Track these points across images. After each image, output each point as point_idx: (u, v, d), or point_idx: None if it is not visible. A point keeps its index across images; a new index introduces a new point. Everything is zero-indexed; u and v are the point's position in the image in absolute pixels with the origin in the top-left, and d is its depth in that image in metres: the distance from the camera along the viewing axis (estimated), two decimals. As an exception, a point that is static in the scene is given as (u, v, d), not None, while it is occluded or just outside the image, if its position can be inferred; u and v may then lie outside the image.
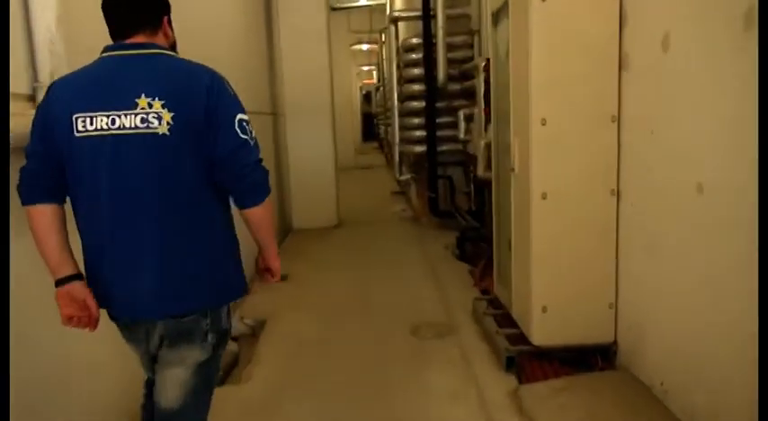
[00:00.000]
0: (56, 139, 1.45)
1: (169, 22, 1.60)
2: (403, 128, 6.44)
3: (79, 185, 1.48)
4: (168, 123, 1.41)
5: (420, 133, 6.24)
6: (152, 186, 1.45)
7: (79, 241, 1.54)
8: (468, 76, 6.03)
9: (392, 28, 6.26)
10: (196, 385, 1.59)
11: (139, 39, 1.50)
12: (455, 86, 6.12)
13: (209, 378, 1.65)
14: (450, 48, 5.92)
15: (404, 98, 6.41)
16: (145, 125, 1.41)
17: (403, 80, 6.38)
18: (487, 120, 4.73)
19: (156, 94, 1.41)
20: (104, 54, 1.50)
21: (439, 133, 6.20)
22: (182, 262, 1.50)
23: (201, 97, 1.45)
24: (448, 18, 5.88)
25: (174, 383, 1.57)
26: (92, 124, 1.42)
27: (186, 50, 1.71)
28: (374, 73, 24.80)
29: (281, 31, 6.46)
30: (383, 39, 15.81)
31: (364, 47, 22.47)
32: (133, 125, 1.41)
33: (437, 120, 6.16)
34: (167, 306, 1.51)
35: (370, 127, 23.34)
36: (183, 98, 1.44)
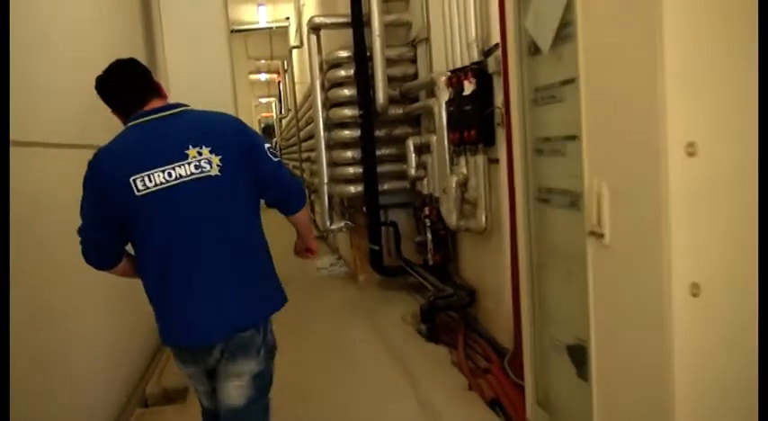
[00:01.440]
0: (115, 204, 1.65)
1: None
2: (332, 163, 5.08)
3: (145, 237, 1.69)
4: (218, 165, 1.67)
5: (355, 170, 4.92)
6: (216, 222, 1.70)
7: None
8: (411, 97, 4.82)
9: (313, 38, 4.94)
10: (256, 390, 1.81)
11: (156, 104, 1.76)
12: (396, 110, 4.89)
13: (264, 386, 1.87)
14: (387, 63, 4.70)
15: (331, 126, 5.07)
16: (199, 171, 1.66)
17: (329, 103, 5.05)
18: (466, 150, 3.50)
19: (202, 142, 1.67)
20: (133, 123, 1.72)
21: (379, 169, 4.91)
22: (247, 283, 1.76)
23: (236, 138, 1.75)
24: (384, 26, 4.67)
25: (235, 391, 1.79)
26: (151, 181, 1.62)
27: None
28: (273, 105, 23.58)
29: (173, 56, 4.97)
30: (285, 66, 14.56)
31: (262, 77, 21.10)
32: (189, 173, 1.65)
33: (377, 153, 4.88)
34: (235, 323, 1.75)
35: None
36: (223, 142, 1.70)
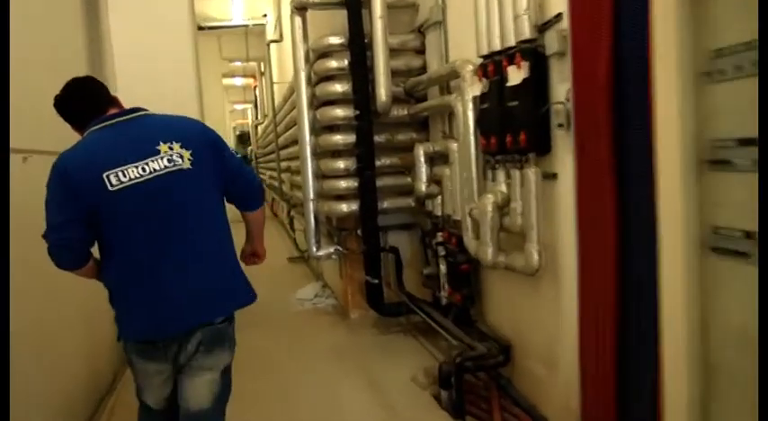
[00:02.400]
0: (87, 201, 1.68)
1: None
2: (319, 175, 4.13)
3: (120, 231, 1.73)
4: (189, 159, 1.75)
5: (348, 183, 3.98)
6: (191, 212, 1.77)
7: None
8: (418, 95, 3.92)
9: (297, 21, 3.99)
10: (222, 386, 1.87)
11: (115, 110, 1.84)
12: (400, 111, 3.98)
13: (230, 381, 1.93)
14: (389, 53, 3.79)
15: (319, 129, 4.13)
16: (172, 164, 1.73)
17: (317, 102, 4.11)
18: (506, 161, 2.60)
19: (172, 138, 1.75)
20: (95, 127, 1.78)
21: (379, 183, 3.98)
22: (221, 274, 1.83)
23: (202, 136, 1.84)
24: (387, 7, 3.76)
25: (205, 386, 1.82)
26: (125, 176, 1.68)
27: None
28: (249, 112, 22.54)
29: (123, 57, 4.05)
30: (262, 69, 13.57)
31: (238, 81, 20.01)
32: (162, 166, 1.72)
33: (376, 163, 3.95)
34: (215, 312, 1.81)
35: None
36: (191, 139, 1.78)
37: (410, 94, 3.93)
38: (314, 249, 4.03)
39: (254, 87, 18.00)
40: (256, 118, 15.85)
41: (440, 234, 3.55)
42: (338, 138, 3.98)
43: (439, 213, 3.58)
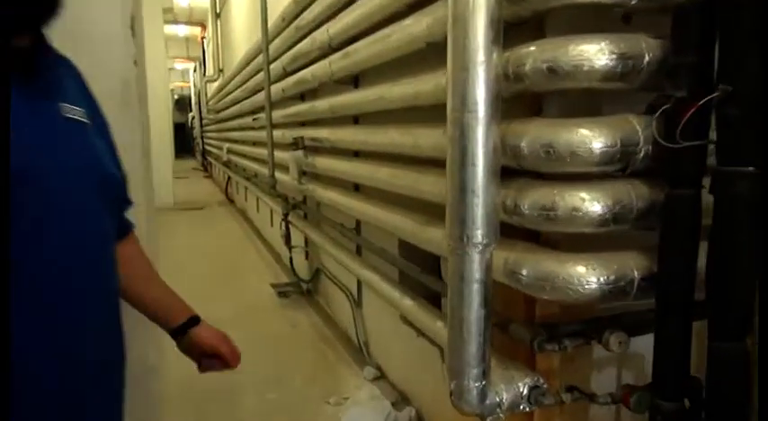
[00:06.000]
0: None
1: None
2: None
3: None
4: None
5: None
6: None
7: None
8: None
9: None
10: None
11: None
12: None
13: None
14: None
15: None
16: None
17: None
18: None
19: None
20: None
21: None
22: None
23: None
24: None
25: None
26: None
27: None
28: (190, 73, 19.38)
29: None
30: (218, 8, 10.50)
31: (181, 30, 16.65)
32: None
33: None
34: None
35: (184, 140, 19.60)
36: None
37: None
38: (472, 387, 1.40)
39: (202, 39, 14.77)
40: (204, 74, 12.72)
41: None
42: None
43: None
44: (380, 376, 2.62)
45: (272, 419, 2.29)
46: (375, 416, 2.13)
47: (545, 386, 1.33)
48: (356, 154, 2.52)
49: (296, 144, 3.19)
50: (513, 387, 1.33)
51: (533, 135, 1.20)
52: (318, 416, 2.27)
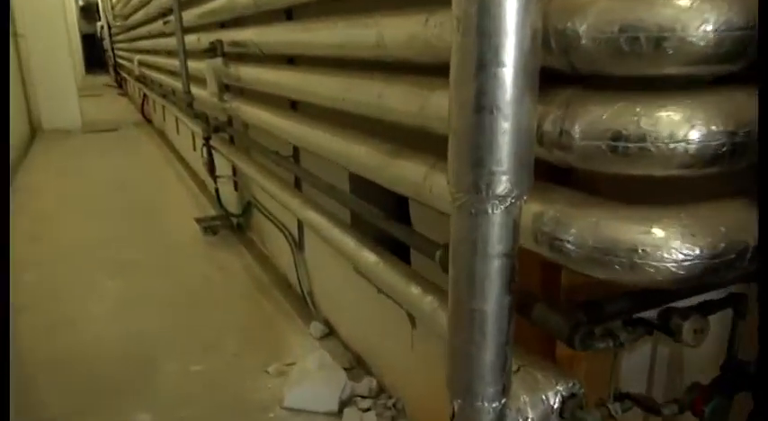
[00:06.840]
0: None
1: None
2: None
3: None
4: None
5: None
6: None
7: None
8: None
9: None
10: None
11: None
12: None
13: None
14: None
15: None
16: None
17: None
18: None
19: None
20: None
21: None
22: None
23: None
24: None
25: None
26: None
27: None
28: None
29: None
30: None
31: None
32: None
33: None
34: None
35: (95, 53, 17.91)
36: None
37: None
38: (486, 410, 0.99)
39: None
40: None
41: None
42: None
43: None
44: (329, 333, 2.21)
45: (197, 400, 1.84)
46: (328, 392, 1.72)
47: (582, 392, 0.93)
48: (291, 60, 1.95)
49: (213, 50, 2.55)
50: (539, 398, 0.92)
51: (600, 8, 0.71)
52: (255, 393, 1.84)
